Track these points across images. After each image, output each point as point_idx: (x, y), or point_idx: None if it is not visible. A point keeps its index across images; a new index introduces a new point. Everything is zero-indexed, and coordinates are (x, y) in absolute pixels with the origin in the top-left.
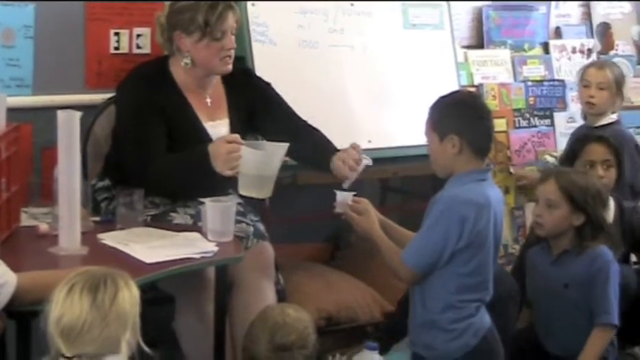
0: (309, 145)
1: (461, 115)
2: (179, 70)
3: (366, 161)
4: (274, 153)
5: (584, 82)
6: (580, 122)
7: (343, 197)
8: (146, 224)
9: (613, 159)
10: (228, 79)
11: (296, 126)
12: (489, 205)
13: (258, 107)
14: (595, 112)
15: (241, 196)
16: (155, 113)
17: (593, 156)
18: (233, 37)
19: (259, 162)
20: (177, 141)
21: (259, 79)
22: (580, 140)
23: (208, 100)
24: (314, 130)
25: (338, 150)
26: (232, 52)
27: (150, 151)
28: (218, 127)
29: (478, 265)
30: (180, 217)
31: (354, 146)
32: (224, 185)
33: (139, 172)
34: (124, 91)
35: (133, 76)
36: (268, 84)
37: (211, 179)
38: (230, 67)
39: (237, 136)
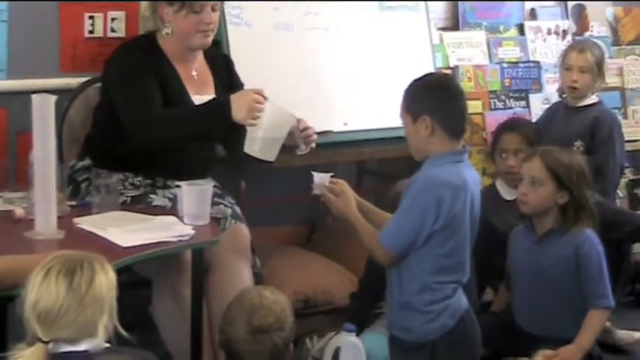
0: None
1: (432, 96)
2: (164, 41)
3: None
4: (287, 119)
5: (565, 66)
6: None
7: (320, 178)
8: (126, 205)
9: (525, 149)
10: (211, 60)
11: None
12: (466, 186)
13: None
14: (577, 95)
15: (218, 180)
16: (149, 74)
17: (506, 145)
18: (215, 14)
19: (274, 122)
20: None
21: (237, 74)
22: (497, 129)
23: (194, 73)
24: None
25: None
26: (212, 27)
27: (150, 103)
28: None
29: (455, 247)
30: (159, 199)
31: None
32: (207, 168)
33: (140, 125)
34: (115, 59)
35: (122, 47)
36: (243, 84)
37: (219, 129)
38: (209, 41)
39: (262, 89)
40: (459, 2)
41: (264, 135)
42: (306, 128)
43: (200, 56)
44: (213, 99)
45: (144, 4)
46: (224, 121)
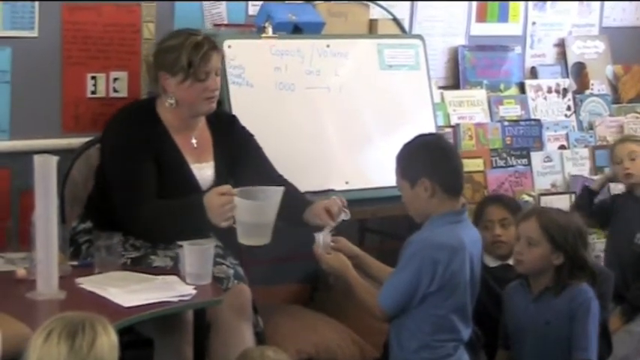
0: (284, 199)
1: (427, 157)
2: (165, 110)
3: (344, 215)
4: (269, 200)
5: (616, 160)
6: (557, 163)
7: (322, 237)
8: (126, 267)
9: (511, 217)
10: (213, 123)
11: (272, 180)
12: (463, 247)
13: (238, 155)
14: (635, 181)
15: (220, 240)
16: (144, 151)
17: (491, 216)
18: (218, 78)
19: (254, 211)
20: (164, 181)
21: (244, 128)
22: (479, 204)
23: (194, 142)
24: (289, 185)
25: (311, 203)
26: (217, 93)
27: (140, 192)
28: (204, 170)
29: (454, 307)
30: (160, 260)
31: (339, 198)
32: (207, 229)
33: (128, 213)
34: (111, 130)
35: (120, 115)
36: (251, 135)
37: (205, 227)
38: (214, 106)
39: (229, 188)
40: (460, 61)
41: (250, 223)
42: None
43: (202, 122)
44: (191, 200)
45: (144, 69)
46: (202, 222)
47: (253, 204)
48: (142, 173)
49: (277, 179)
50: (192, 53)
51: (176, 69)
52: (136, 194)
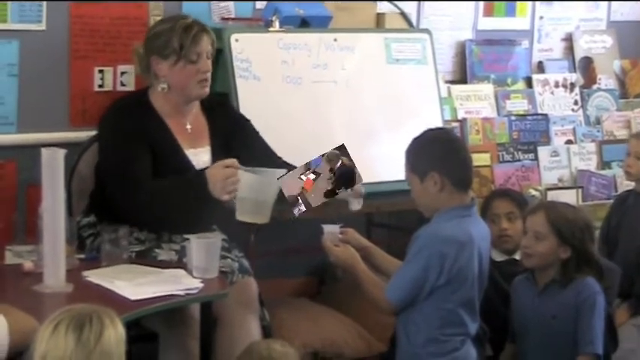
0: None
1: (436, 151)
2: (158, 97)
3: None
4: (271, 178)
5: (627, 151)
6: (564, 157)
7: (331, 229)
8: (131, 261)
9: (517, 211)
10: (208, 109)
11: (272, 163)
12: (472, 241)
13: (236, 140)
14: (632, 179)
15: (225, 232)
16: (138, 140)
17: (497, 210)
18: (209, 61)
19: (257, 187)
20: (160, 168)
21: (240, 114)
22: (487, 198)
23: (189, 127)
24: (290, 167)
25: None
26: (208, 76)
27: (137, 177)
28: (200, 155)
29: (461, 301)
30: (165, 253)
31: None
32: (210, 219)
33: (127, 199)
34: (104, 123)
35: (112, 108)
36: (248, 120)
37: (206, 205)
38: (207, 90)
39: (234, 161)
40: (467, 55)
41: (250, 200)
42: None
43: (196, 108)
44: (192, 174)
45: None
46: (204, 197)
47: (257, 178)
48: (137, 160)
49: (278, 163)
50: (182, 35)
51: (167, 52)
52: (133, 183)
